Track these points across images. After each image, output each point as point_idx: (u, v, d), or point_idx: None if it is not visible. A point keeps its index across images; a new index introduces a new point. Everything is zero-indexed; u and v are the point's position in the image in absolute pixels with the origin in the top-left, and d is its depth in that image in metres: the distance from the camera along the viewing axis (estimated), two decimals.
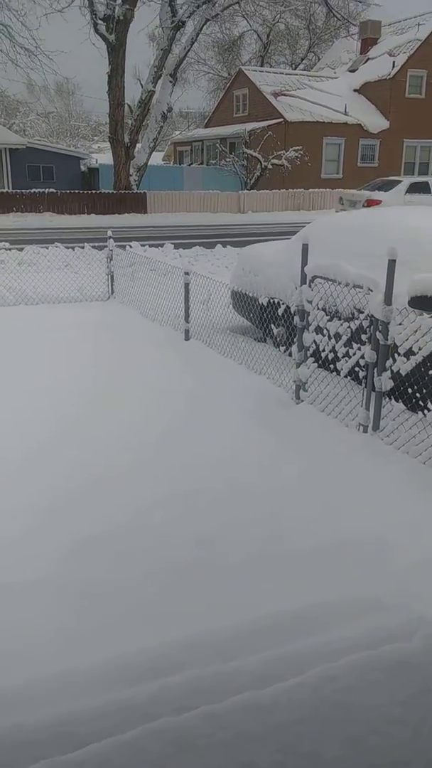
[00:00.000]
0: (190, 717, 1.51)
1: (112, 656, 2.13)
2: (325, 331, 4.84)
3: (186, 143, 35.93)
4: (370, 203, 17.69)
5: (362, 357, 4.38)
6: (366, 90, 31.90)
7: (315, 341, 4.92)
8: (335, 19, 37.25)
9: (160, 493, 3.70)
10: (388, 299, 4.06)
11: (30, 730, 1.59)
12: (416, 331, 4.02)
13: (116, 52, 23.23)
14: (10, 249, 10.67)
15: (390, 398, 4.35)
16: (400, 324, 4.09)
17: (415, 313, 4.03)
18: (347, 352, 4.64)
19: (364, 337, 4.34)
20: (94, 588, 2.84)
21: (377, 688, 1.54)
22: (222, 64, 44.21)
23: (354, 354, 4.56)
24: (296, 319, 4.93)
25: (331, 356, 4.83)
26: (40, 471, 3.98)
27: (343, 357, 4.70)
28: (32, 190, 23.62)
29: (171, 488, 3.76)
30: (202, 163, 32.43)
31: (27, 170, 26.98)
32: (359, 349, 4.47)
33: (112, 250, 9.13)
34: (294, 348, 5.05)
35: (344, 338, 4.64)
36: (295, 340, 5.03)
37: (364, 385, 4.41)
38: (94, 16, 22.81)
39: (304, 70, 40.77)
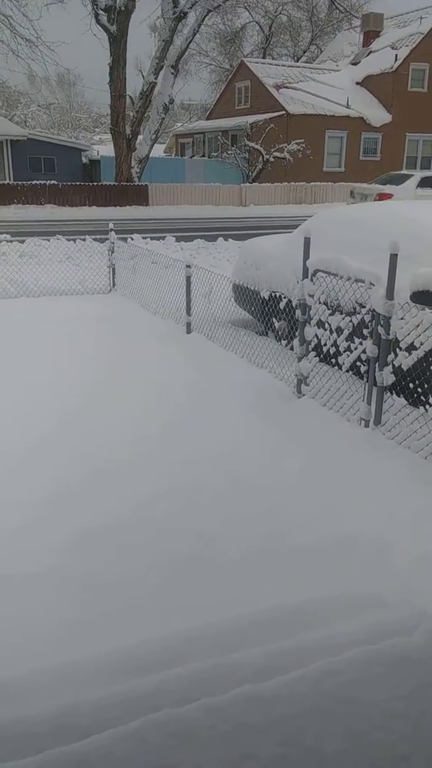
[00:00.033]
0: (191, 709, 1.51)
1: (113, 648, 2.14)
2: (326, 325, 4.83)
3: (188, 135, 35.78)
4: (382, 197, 17.71)
5: (364, 351, 4.37)
6: (368, 83, 31.73)
7: (316, 335, 4.91)
8: (337, 11, 37.11)
9: (161, 487, 3.70)
10: (390, 294, 4.05)
11: (31, 722, 1.59)
12: (418, 325, 4.01)
13: (117, 43, 23.09)
14: (11, 241, 10.63)
15: (391, 393, 4.34)
16: (401, 319, 4.08)
17: (417, 307, 4.02)
18: (349, 346, 4.63)
19: (365, 331, 4.33)
20: (95, 580, 2.85)
21: (379, 683, 1.55)
22: (224, 56, 43.95)
23: (356, 348, 4.55)
24: (298, 312, 4.92)
25: (332, 350, 4.82)
26: (41, 463, 3.98)
27: (344, 351, 4.69)
28: (33, 182, 23.53)
29: (172, 482, 3.77)
30: (203, 156, 32.30)
31: (28, 162, 26.88)
32: (361, 343, 4.46)
33: (113, 243, 9.10)
34: (295, 342, 5.05)
35: (346, 332, 4.63)
36: (296, 333, 5.02)
37: (365, 379, 4.40)
38: (95, 7, 22.67)
39: (307, 62, 40.52)
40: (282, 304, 6.05)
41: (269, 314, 6.41)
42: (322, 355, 4.96)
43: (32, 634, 2.49)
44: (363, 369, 4.45)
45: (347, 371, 4.72)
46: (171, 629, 2.27)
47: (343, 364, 4.71)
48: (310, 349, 4.97)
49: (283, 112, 29.02)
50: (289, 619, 2.25)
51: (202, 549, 3.10)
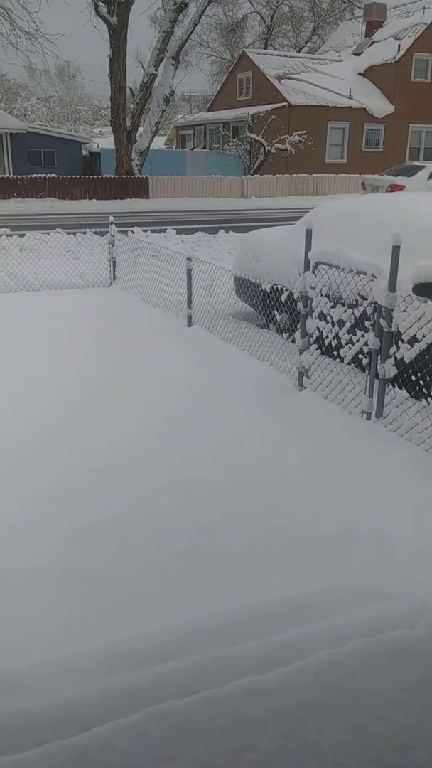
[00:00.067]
0: (191, 701, 1.50)
1: (113, 642, 2.13)
2: (328, 318, 4.81)
3: (188, 127, 35.62)
4: (394, 188, 17.70)
5: (366, 344, 4.35)
6: (371, 74, 31.52)
7: (318, 328, 4.89)
8: (340, 1, 36.84)
9: (162, 480, 3.69)
10: (392, 286, 4.03)
11: (31, 715, 1.59)
12: (420, 318, 3.99)
13: (118, 35, 22.94)
14: (11, 235, 10.61)
15: (393, 385, 4.33)
16: (404, 311, 4.06)
17: (420, 300, 4.00)
18: (351, 339, 4.62)
19: (367, 323, 4.32)
20: (95, 574, 2.85)
21: (380, 674, 1.54)
22: (225, 47, 43.70)
23: (357, 341, 4.53)
24: (299, 305, 4.90)
25: (334, 343, 4.80)
26: (41, 457, 3.98)
27: (346, 344, 4.67)
28: (33, 176, 23.45)
29: (173, 475, 3.76)
30: (204, 148, 32.16)
31: (28, 155, 26.78)
32: (363, 336, 4.44)
33: (114, 236, 9.07)
34: (297, 334, 5.03)
35: (348, 325, 4.61)
36: (298, 326, 5.00)
37: (367, 372, 4.39)
38: None
39: (309, 52, 40.28)
40: (283, 297, 6.02)
41: (270, 307, 6.39)
42: (323, 348, 4.94)
43: (32, 629, 2.48)
44: (365, 361, 4.44)
45: (349, 364, 4.71)
46: (171, 622, 2.26)
47: (345, 356, 4.69)
48: (311, 341, 4.95)
49: (285, 103, 28.86)
50: (290, 611, 2.24)
51: (203, 542, 3.10)
